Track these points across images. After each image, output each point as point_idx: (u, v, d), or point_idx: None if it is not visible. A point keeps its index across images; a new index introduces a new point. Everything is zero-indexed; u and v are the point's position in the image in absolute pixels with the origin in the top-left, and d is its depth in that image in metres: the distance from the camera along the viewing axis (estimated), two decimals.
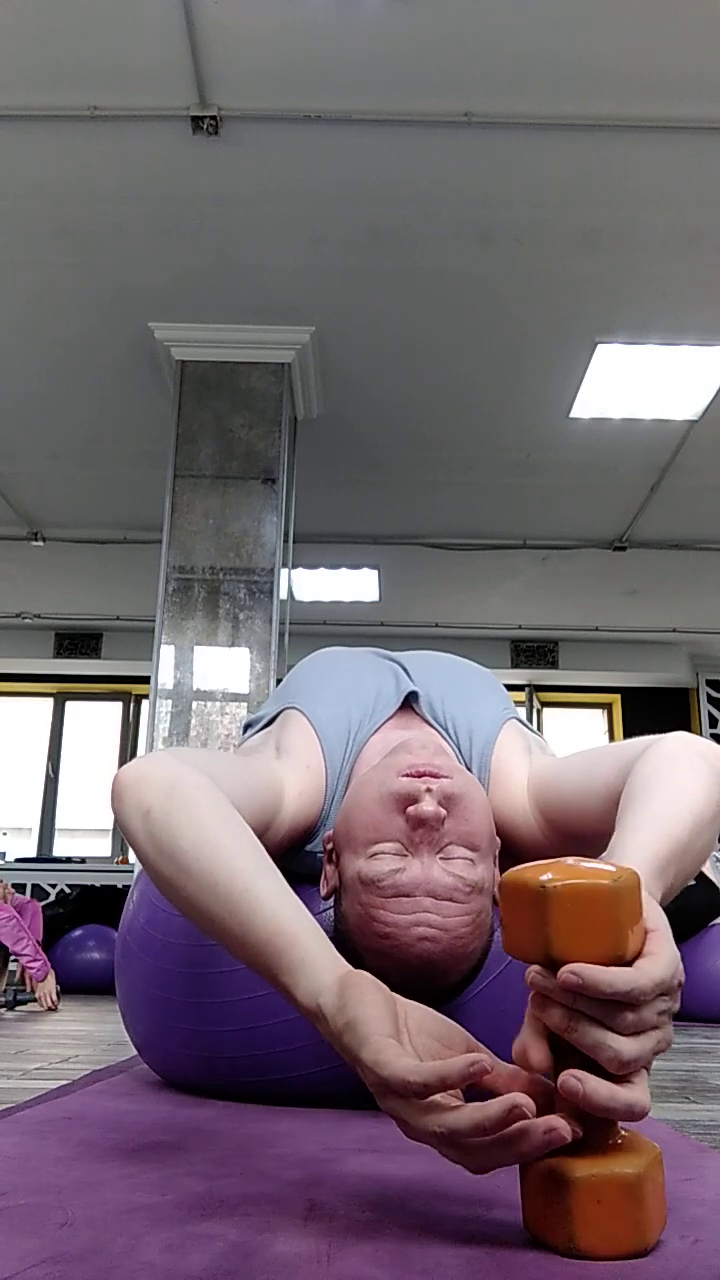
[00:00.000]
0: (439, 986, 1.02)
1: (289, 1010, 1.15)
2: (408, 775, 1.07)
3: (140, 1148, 0.92)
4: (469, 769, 1.27)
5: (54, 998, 3.72)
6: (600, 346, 3.96)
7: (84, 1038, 2.60)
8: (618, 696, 7.61)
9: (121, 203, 3.35)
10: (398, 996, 0.73)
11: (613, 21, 2.68)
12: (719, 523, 5.48)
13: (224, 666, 3.66)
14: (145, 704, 6.77)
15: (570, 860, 0.66)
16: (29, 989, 3.80)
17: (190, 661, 3.67)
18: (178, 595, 3.73)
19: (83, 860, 6.30)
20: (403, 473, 5.02)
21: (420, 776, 1.06)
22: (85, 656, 7.25)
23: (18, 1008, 3.81)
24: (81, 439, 4.79)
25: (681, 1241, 0.63)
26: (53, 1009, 3.68)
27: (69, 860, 6.27)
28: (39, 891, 5.96)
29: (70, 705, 7.69)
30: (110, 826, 7.34)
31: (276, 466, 3.87)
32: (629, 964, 0.63)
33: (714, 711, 7.46)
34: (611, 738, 7.71)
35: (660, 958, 0.64)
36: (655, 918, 0.67)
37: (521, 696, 7.47)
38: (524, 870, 0.65)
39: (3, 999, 3.79)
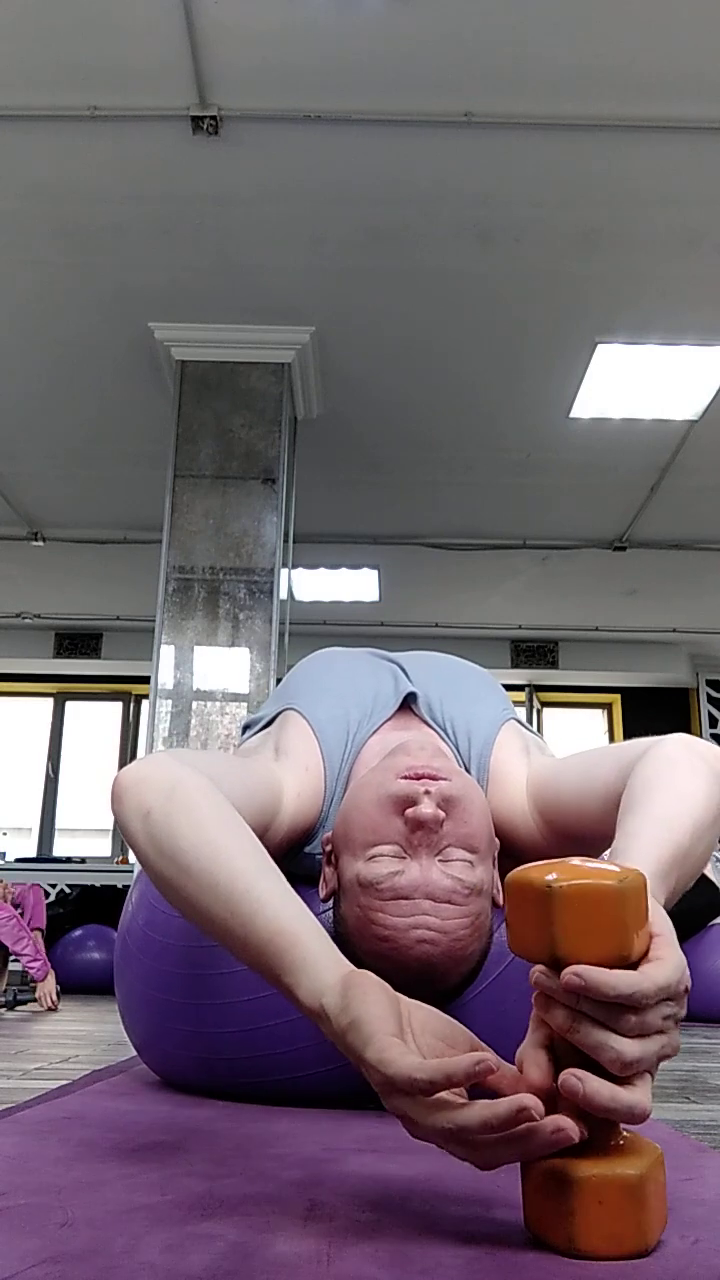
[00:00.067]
0: (438, 989, 1.02)
1: (289, 1011, 1.16)
2: (406, 777, 1.07)
3: (140, 1148, 0.92)
4: (468, 770, 1.26)
5: (54, 998, 3.72)
6: (600, 346, 3.96)
7: (84, 1038, 2.60)
8: (618, 696, 7.61)
9: (121, 203, 3.34)
10: (401, 996, 0.73)
11: (613, 21, 2.68)
12: (719, 523, 5.48)
13: (224, 666, 3.66)
14: (145, 704, 6.76)
15: (575, 860, 0.66)
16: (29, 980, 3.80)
17: (190, 661, 3.67)
18: (178, 595, 3.73)
19: (83, 860, 6.30)
20: (403, 473, 5.02)
21: (419, 778, 1.06)
22: (85, 656, 7.25)
23: (18, 1008, 3.81)
24: (81, 439, 4.79)
25: (681, 1241, 0.63)
26: (53, 1009, 3.68)
27: (69, 860, 6.27)
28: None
29: (70, 705, 7.69)
30: (110, 826, 7.34)
31: (276, 466, 3.87)
32: (634, 966, 0.63)
33: (714, 711, 7.45)
34: (611, 738, 7.71)
35: (665, 962, 0.64)
36: (660, 922, 0.67)
37: (521, 696, 7.47)
38: (529, 870, 0.65)
39: (3, 999, 3.79)
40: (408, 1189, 0.77)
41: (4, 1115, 1.11)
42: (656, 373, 4.10)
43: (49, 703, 7.66)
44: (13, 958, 3.90)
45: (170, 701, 3.63)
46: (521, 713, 7.45)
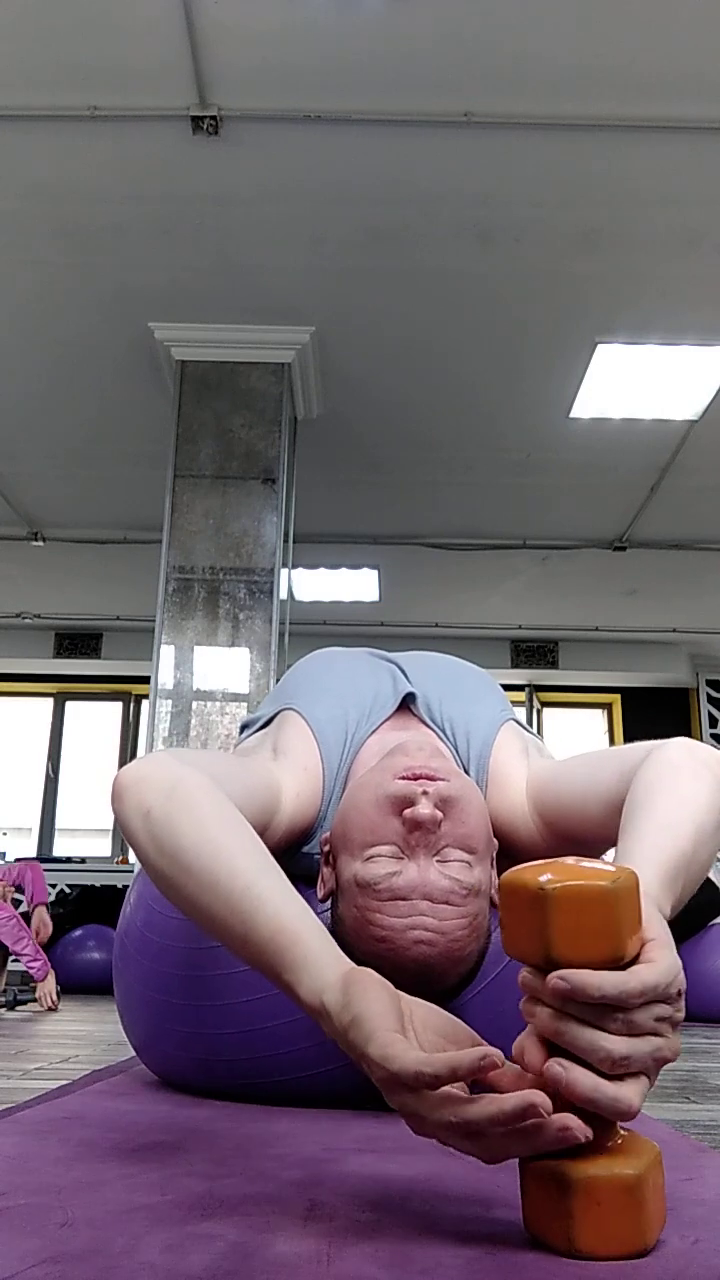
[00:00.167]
0: (436, 989, 1.02)
1: (288, 1012, 1.16)
2: (404, 778, 1.07)
3: (140, 1148, 0.92)
4: (466, 771, 1.26)
5: (54, 998, 3.72)
6: (600, 346, 3.96)
7: (84, 1038, 2.60)
8: (618, 696, 7.61)
9: (121, 203, 3.35)
10: (401, 993, 0.73)
11: (613, 21, 2.68)
12: (719, 523, 5.49)
13: (224, 666, 3.66)
14: (145, 704, 6.76)
15: (569, 860, 0.66)
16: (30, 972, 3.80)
17: (190, 661, 3.66)
18: (178, 595, 3.73)
19: (83, 860, 6.29)
20: (403, 473, 5.02)
21: (417, 779, 1.06)
22: (85, 656, 7.25)
23: (18, 1008, 3.81)
24: (81, 439, 4.79)
25: (681, 1241, 0.63)
26: (53, 1009, 3.68)
27: (69, 860, 6.27)
28: None
29: (70, 705, 7.69)
30: (110, 826, 7.34)
31: (276, 466, 3.87)
32: (628, 966, 0.63)
33: (714, 711, 7.45)
34: (611, 738, 7.71)
35: (656, 964, 0.64)
36: (656, 927, 0.67)
37: (521, 696, 7.47)
38: (523, 871, 0.65)
39: (3, 999, 3.79)
40: (408, 1189, 0.77)
41: (4, 1115, 1.11)
42: (656, 373, 4.10)
43: (49, 703, 7.66)
44: (13, 958, 3.90)
45: (170, 701, 3.63)
46: (521, 713, 7.45)
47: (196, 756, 1.10)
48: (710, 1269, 0.58)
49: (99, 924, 5.22)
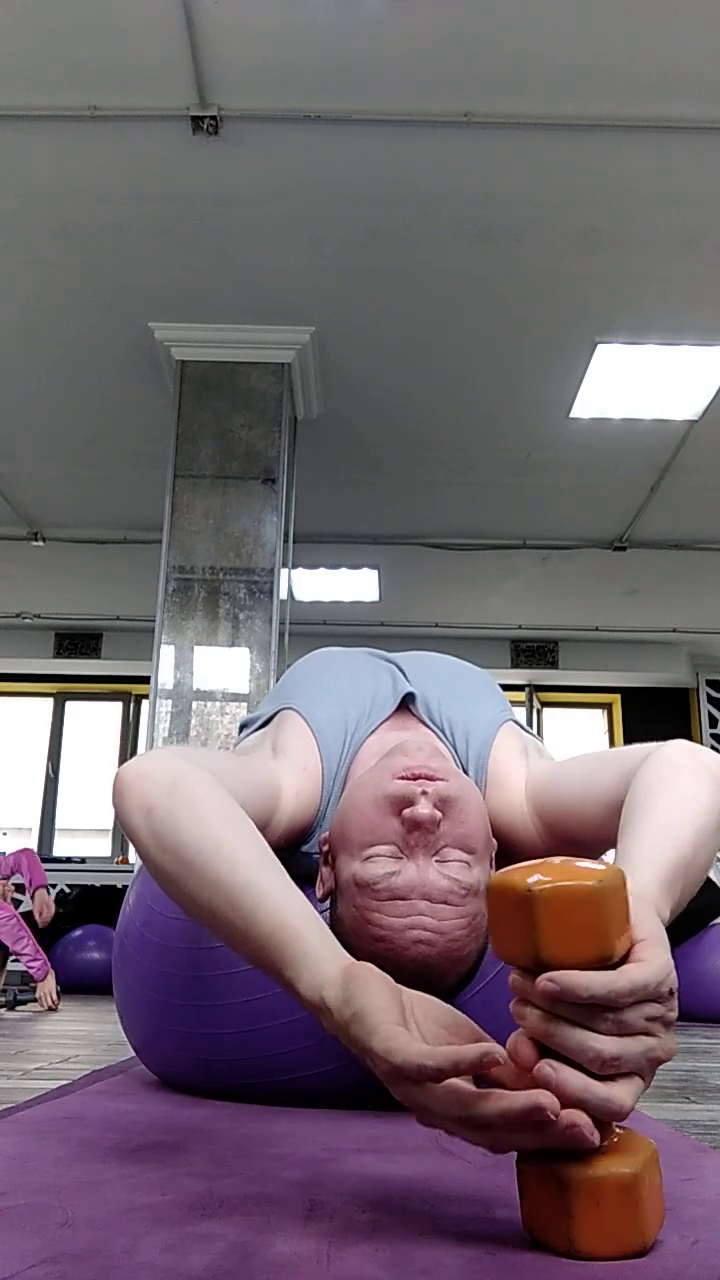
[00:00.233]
0: (435, 989, 1.02)
1: (288, 1012, 1.16)
2: (403, 778, 1.07)
3: (140, 1148, 0.92)
4: (465, 771, 1.26)
5: (54, 997, 3.72)
6: (600, 346, 3.96)
7: (84, 1038, 2.60)
8: (618, 696, 7.61)
9: (121, 203, 3.34)
10: (402, 987, 0.73)
11: (613, 21, 2.68)
12: (719, 523, 5.48)
13: (224, 666, 3.66)
14: (145, 704, 6.77)
15: (557, 860, 0.66)
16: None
17: (190, 661, 3.67)
18: (178, 595, 3.73)
19: (83, 860, 6.30)
20: (403, 473, 5.01)
21: (416, 779, 1.06)
22: (85, 656, 7.25)
23: (18, 1008, 3.81)
24: (81, 439, 4.79)
25: (681, 1241, 0.63)
26: (53, 1009, 3.68)
27: (69, 860, 6.27)
28: None
29: (70, 705, 7.68)
30: (110, 826, 7.33)
31: (276, 466, 3.87)
32: (618, 965, 0.63)
33: (714, 711, 7.45)
34: (611, 738, 7.71)
35: (647, 963, 0.64)
36: (647, 926, 0.67)
37: (521, 696, 7.47)
38: (510, 872, 0.65)
39: (3, 999, 3.79)
40: (408, 1189, 0.77)
41: (4, 1115, 1.11)
42: (656, 373, 4.10)
43: (49, 703, 7.66)
44: (13, 957, 3.90)
45: (170, 701, 3.63)
46: (521, 713, 7.45)
47: (198, 754, 1.10)
48: (710, 1269, 0.58)
49: (99, 924, 5.22)
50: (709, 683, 7.45)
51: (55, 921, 5.23)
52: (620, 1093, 0.61)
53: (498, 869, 1.10)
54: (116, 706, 7.69)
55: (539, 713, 7.67)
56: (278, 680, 3.56)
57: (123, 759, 7.53)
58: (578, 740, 7.72)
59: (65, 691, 7.66)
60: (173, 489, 3.85)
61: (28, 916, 4.04)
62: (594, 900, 0.62)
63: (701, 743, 6.43)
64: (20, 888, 4.23)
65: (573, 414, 4.43)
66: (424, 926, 1.01)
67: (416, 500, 5.30)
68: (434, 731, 1.32)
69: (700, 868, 0.89)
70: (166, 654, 3.67)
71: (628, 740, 7.07)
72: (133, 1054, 1.78)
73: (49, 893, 4.09)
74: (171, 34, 2.74)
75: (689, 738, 1.13)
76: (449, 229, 3.43)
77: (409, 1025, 0.69)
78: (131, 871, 5.30)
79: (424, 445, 4.76)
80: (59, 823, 7.41)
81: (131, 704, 7.67)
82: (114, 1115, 1.12)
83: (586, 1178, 0.60)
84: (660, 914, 0.76)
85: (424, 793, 1.05)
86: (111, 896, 5.34)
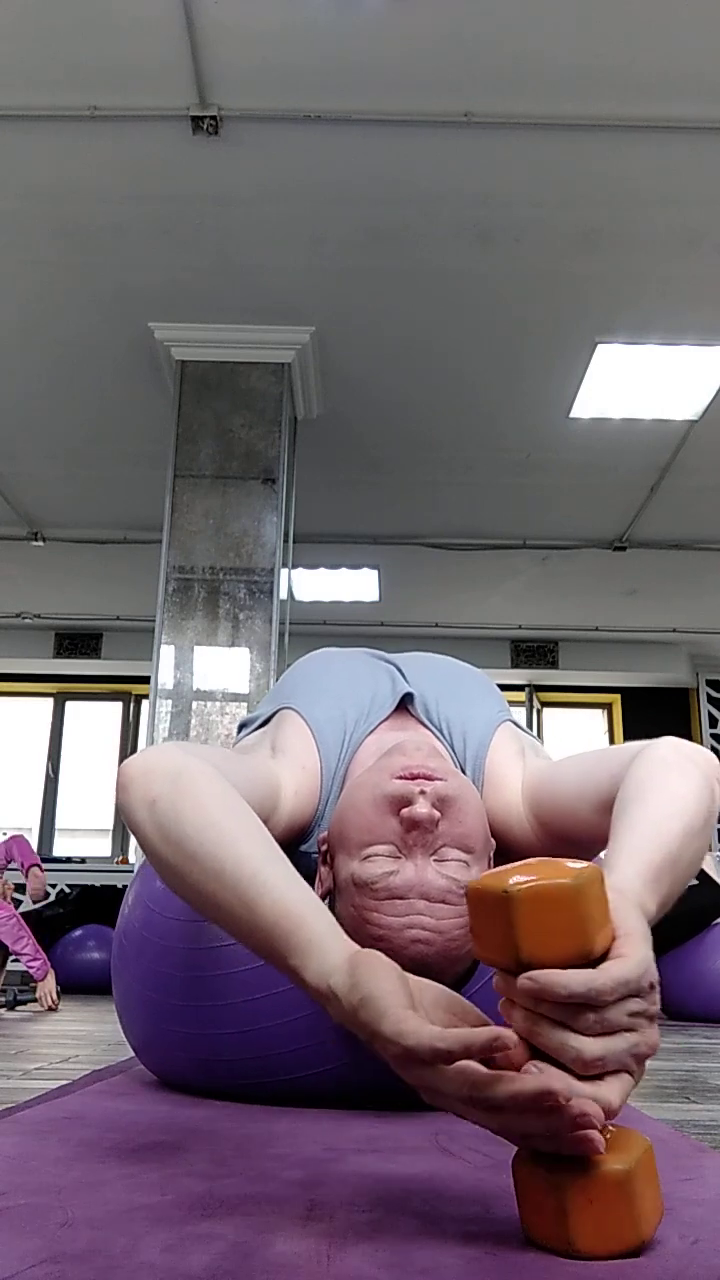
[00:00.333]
0: None
1: (287, 1012, 1.16)
2: (401, 777, 1.07)
3: (140, 1148, 0.92)
4: (463, 771, 1.27)
5: (54, 997, 3.72)
6: (600, 346, 3.96)
7: (84, 1038, 2.60)
8: (618, 696, 7.61)
9: (121, 203, 3.34)
10: (407, 974, 0.73)
11: (613, 21, 2.68)
12: (719, 523, 5.48)
13: (224, 666, 3.66)
14: (145, 704, 6.77)
15: (535, 861, 0.66)
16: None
17: (190, 661, 3.67)
18: (178, 595, 3.73)
19: (83, 860, 6.31)
20: (403, 473, 5.02)
21: (414, 778, 1.06)
22: (85, 656, 7.25)
23: (18, 1008, 3.81)
24: (81, 439, 4.79)
25: (681, 1241, 0.63)
26: (53, 1009, 3.68)
27: (69, 860, 6.27)
28: None
29: (70, 705, 7.69)
30: (110, 826, 7.34)
31: (276, 466, 3.87)
32: (598, 963, 0.64)
33: (714, 711, 7.46)
34: (611, 738, 7.71)
35: (627, 959, 0.64)
36: (629, 922, 0.68)
37: (521, 696, 7.47)
38: (488, 876, 0.66)
39: (3, 999, 3.79)
40: (408, 1189, 0.77)
41: (4, 1115, 1.11)
42: (656, 373, 4.10)
43: (49, 703, 7.66)
44: (12, 957, 3.90)
45: (170, 701, 3.63)
46: (521, 713, 7.46)
47: (200, 749, 1.10)
48: (710, 1269, 0.58)
49: (99, 924, 5.22)
50: (709, 683, 7.45)
51: (55, 921, 5.24)
52: (606, 1091, 0.61)
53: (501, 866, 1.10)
54: (116, 706, 7.69)
55: (539, 713, 7.67)
56: (277, 680, 3.57)
57: (123, 759, 7.51)
58: (578, 740, 7.72)
59: (65, 691, 7.66)
60: (173, 489, 3.85)
61: (28, 916, 4.04)
62: (570, 898, 0.63)
63: (701, 743, 6.43)
64: (21, 888, 4.23)
65: (573, 414, 4.43)
66: (422, 926, 1.01)
67: (416, 500, 5.30)
68: (432, 732, 1.32)
69: (688, 863, 0.89)
70: (166, 654, 3.68)
71: (628, 741, 7.06)
72: (132, 1054, 1.78)
73: (42, 870, 4.10)
74: (171, 34, 2.74)
75: (689, 738, 1.13)
76: (449, 229, 3.43)
77: (417, 1009, 0.69)
78: (131, 871, 5.30)
79: (424, 445, 4.76)
80: (59, 823, 7.41)
81: (131, 704, 7.67)
82: (114, 1115, 1.12)
83: (580, 1175, 0.60)
84: (645, 909, 0.76)
85: (422, 792, 1.05)
86: (111, 896, 5.33)
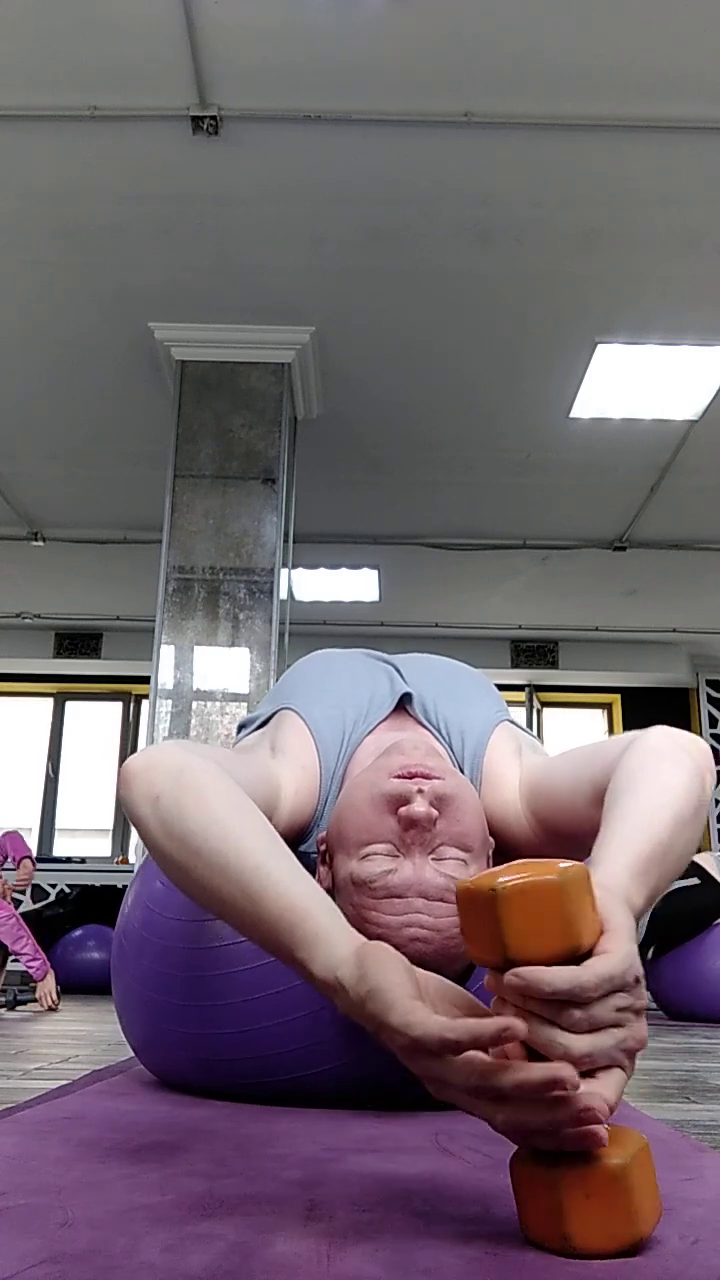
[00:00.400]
0: None
1: (287, 1012, 1.16)
2: (399, 776, 1.07)
3: (140, 1148, 0.92)
4: (461, 770, 1.27)
5: (54, 997, 3.72)
6: (600, 346, 3.96)
7: (84, 1038, 2.60)
8: (618, 696, 7.61)
9: (121, 203, 3.34)
10: (414, 967, 0.73)
11: (613, 21, 2.68)
12: (719, 523, 5.49)
13: (224, 666, 3.66)
14: (145, 704, 6.76)
15: (526, 861, 0.67)
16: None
17: (190, 661, 3.67)
18: (178, 595, 3.73)
19: (83, 860, 6.31)
20: (403, 473, 5.01)
21: (412, 777, 1.07)
22: (85, 656, 7.25)
23: (18, 1008, 3.81)
24: (81, 439, 4.79)
25: (681, 1241, 0.63)
26: (53, 1009, 3.68)
27: (69, 860, 6.27)
28: (39, 892, 5.96)
29: (70, 705, 7.68)
30: (110, 826, 7.34)
31: (276, 466, 3.87)
32: (585, 958, 0.64)
33: (714, 711, 7.46)
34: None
35: (610, 955, 0.65)
36: (614, 917, 0.68)
37: (521, 696, 7.47)
38: (476, 878, 0.67)
39: (3, 999, 3.79)
40: (408, 1189, 0.77)
41: (4, 1115, 1.11)
42: (656, 373, 4.10)
43: (49, 703, 7.66)
44: (12, 957, 3.90)
45: (170, 701, 3.63)
46: (521, 713, 7.45)
47: (202, 748, 1.11)
48: (710, 1269, 0.58)
49: (99, 924, 5.22)
50: (709, 683, 7.45)
51: (55, 921, 5.24)
52: (600, 1087, 0.62)
53: (495, 866, 1.10)
54: (116, 706, 7.69)
55: (539, 713, 7.67)
56: (277, 680, 3.57)
57: (123, 759, 7.51)
58: (578, 741, 7.69)
59: (65, 691, 7.66)
60: (173, 489, 3.85)
61: (28, 916, 4.04)
62: (555, 895, 0.64)
63: None
64: (21, 891, 4.23)
65: (573, 414, 4.43)
66: (420, 924, 1.02)
67: (416, 500, 5.30)
68: (430, 731, 1.33)
69: (679, 852, 0.89)
70: (166, 654, 3.68)
71: None
72: (132, 1054, 1.78)
73: (34, 864, 4.10)
74: (171, 34, 2.74)
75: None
76: (449, 229, 3.43)
77: (424, 1001, 0.69)
78: (131, 871, 5.30)
79: (424, 445, 4.76)
80: (59, 823, 7.41)
81: (131, 704, 7.67)
82: (114, 1115, 1.12)
83: (575, 1170, 0.61)
84: (632, 903, 0.77)
85: (420, 791, 1.05)
86: (111, 896, 5.33)
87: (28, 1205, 0.70)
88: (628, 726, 7.50)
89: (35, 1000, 3.75)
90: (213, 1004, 1.22)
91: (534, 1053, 0.64)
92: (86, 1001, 4.26)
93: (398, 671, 1.41)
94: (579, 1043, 0.62)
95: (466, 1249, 0.61)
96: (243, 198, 3.32)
